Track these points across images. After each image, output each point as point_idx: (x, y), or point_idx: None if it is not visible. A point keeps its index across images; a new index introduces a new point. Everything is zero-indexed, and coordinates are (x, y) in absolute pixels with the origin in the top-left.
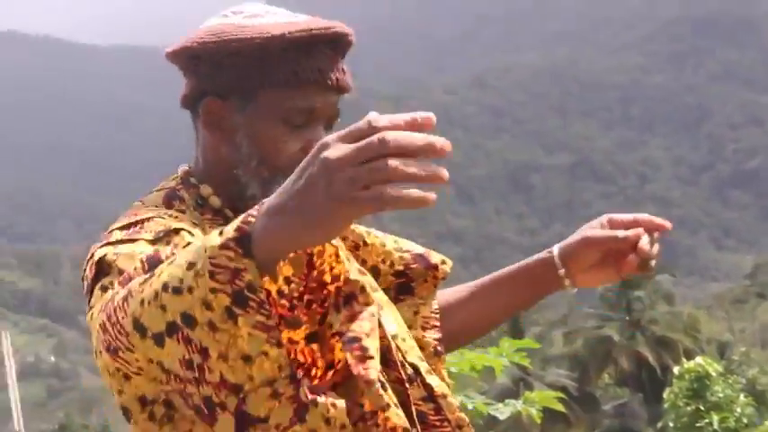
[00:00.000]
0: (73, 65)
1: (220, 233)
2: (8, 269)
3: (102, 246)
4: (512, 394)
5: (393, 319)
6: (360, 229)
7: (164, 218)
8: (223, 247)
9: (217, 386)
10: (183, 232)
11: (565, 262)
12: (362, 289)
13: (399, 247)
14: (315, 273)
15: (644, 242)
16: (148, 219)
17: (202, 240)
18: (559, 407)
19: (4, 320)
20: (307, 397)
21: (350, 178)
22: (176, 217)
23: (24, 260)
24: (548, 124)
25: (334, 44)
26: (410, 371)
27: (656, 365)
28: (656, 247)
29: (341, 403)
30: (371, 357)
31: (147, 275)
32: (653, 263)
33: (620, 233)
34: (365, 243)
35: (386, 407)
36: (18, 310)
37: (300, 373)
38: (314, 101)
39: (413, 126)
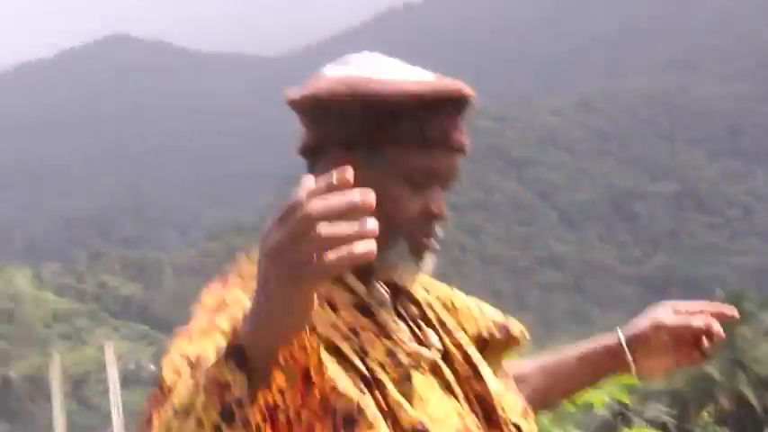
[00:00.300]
0: (184, 70)
1: (216, 353)
2: (111, 274)
3: (181, 338)
4: (610, 429)
5: (492, 377)
6: (445, 289)
7: (247, 297)
8: (217, 362)
9: None
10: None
11: (632, 347)
12: (360, 410)
13: (483, 313)
14: (316, 390)
15: (717, 327)
16: (233, 297)
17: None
18: None
19: (105, 326)
20: None
21: (291, 262)
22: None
23: (127, 265)
24: (654, 151)
25: (459, 105)
26: (513, 431)
27: (757, 405)
28: (718, 336)
29: None
30: None
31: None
32: (710, 352)
33: (695, 321)
34: (454, 306)
35: None
36: (120, 315)
37: None
38: (437, 162)
39: (333, 189)
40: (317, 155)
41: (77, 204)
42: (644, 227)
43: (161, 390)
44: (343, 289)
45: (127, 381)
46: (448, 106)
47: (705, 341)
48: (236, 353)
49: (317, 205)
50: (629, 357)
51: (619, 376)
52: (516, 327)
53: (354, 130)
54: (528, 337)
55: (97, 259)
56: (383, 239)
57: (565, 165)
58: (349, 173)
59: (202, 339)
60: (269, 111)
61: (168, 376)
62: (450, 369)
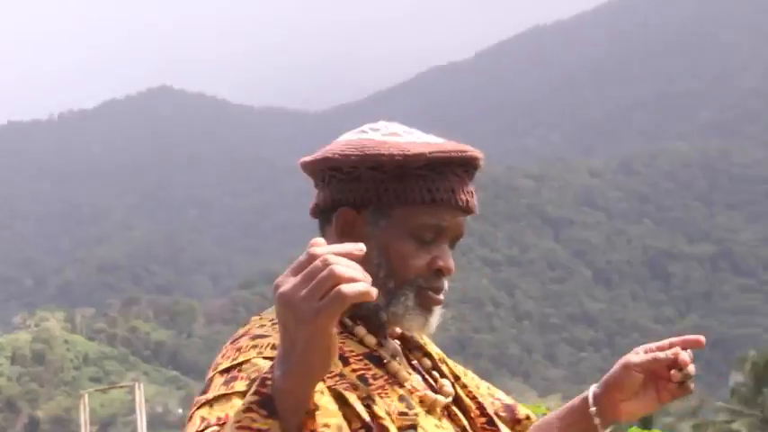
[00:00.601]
0: (224, 123)
1: (243, 403)
2: (144, 319)
3: (201, 406)
4: None
5: (505, 428)
6: (458, 367)
7: (261, 359)
8: (247, 410)
9: None
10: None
11: (607, 393)
12: None
13: (492, 393)
14: None
15: (683, 355)
16: (247, 361)
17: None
18: None
19: (136, 370)
20: None
21: (304, 297)
22: (277, 346)
23: (160, 311)
24: (692, 213)
25: (466, 167)
26: None
27: None
28: (691, 366)
29: None
30: None
31: None
32: (691, 384)
33: (660, 354)
34: (460, 381)
35: None
36: (150, 360)
37: None
38: (444, 219)
39: (348, 256)
40: (327, 214)
41: (113, 250)
42: (678, 287)
43: None
44: (354, 341)
45: (153, 424)
46: (455, 167)
47: (674, 372)
48: (266, 403)
49: (339, 258)
50: (593, 408)
51: (647, 431)
52: (523, 411)
53: (364, 190)
54: (534, 421)
55: (130, 305)
56: (392, 293)
57: (601, 225)
58: (363, 247)
59: (223, 404)
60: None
61: None
62: (465, 416)
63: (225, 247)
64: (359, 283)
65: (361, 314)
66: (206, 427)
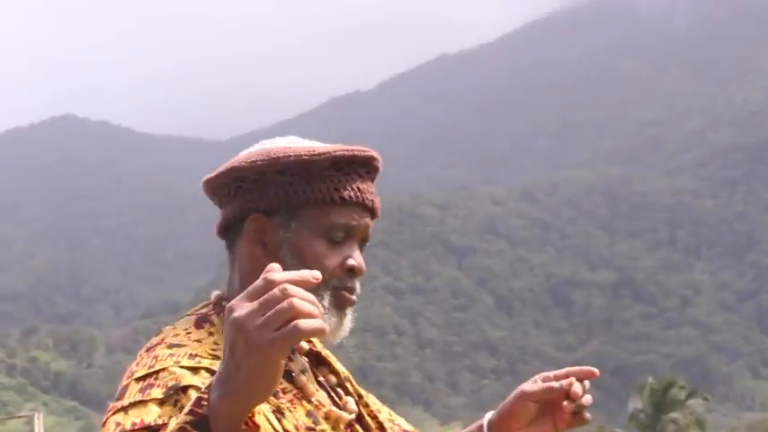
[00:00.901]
0: (127, 151)
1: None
2: (44, 349)
3: (116, 412)
4: None
5: None
6: (359, 388)
7: (182, 364)
8: (180, 430)
9: None
10: (190, 390)
11: (502, 423)
12: None
13: (392, 419)
14: None
15: (576, 387)
16: (164, 369)
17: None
18: None
19: (35, 400)
20: None
21: (260, 325)
22: (196, 355)
23: (60, 341)
24: (593, 241)
25: (369, 167)
26: None
27: None
28: (587, 397)
29: None
30: None
31: None
32: (587, 414)
33: (555, 384)
34: (363, 400)
35: None
36: (49, 390)
37: None
38: (353, 219)
39: (305, 284)
40: (237, 227)
41: (14, 279)
42: (580, 314)
43: None
44: None
45: None
46: (359, 167)
47: (566, 404)
48: (200, 424)
49: (297, 289)
50: None
51: None
52: None
53: (273, 194)
54: None
55: (30, 335)
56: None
57: (503, 253)
58: (319, 275)
59: (139, 410)
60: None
61: None
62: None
63: (127, 276)
64: (315, 319)
65: None
66: (164, 399)
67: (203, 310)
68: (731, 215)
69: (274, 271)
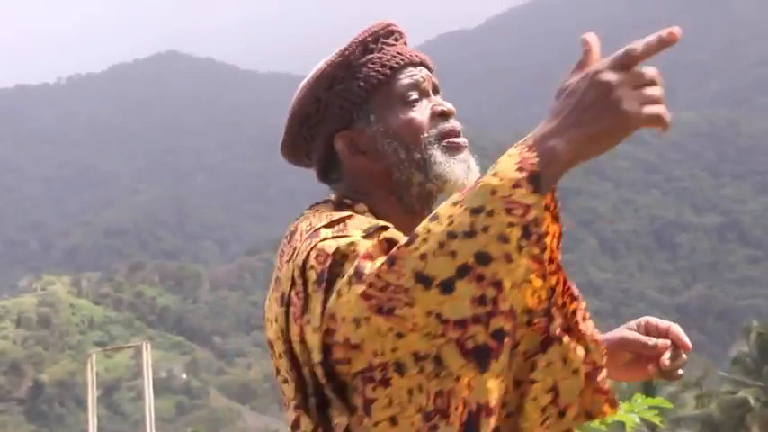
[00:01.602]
0: (231, 88)
1: (494, 174)
2: (149, 284)
3: (324, 240)
4: None
5: None
6: None
7: (363, 216)
8: (516, 185)
9: (507, 315)
10: (391, 229)
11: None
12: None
13: None
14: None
15: (665, 357)
16: (350, 216)
17: (474, 186)
18: None
19: (141, 334)
20: (555, 332)
21: (633, 96)
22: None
23: (166, 276)
24: (699, 184)
25: (393, 35)
26: None
27: None
28: (681, 359)
29: (581, 351)
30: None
31: (407, 241)
32: (679, 372)
33: (651, 341)
34: None
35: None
36: (155, 325)
37: (555, 310)
38: (412, 75)
39: (663, 45)
40: (331, 161)
41: (120, 215)
42: (684, 257)
43: (343, 256)
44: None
45: (157, 389)
46: (386, 40)
47: (663, 360)
48: (533, 179)
49: (647, 47)
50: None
51: (650, 398)
52: None
53: (337, 110)
54: None
55: (136, 270)
56: (421, 163)
57: (609, 195)
58: (678, 31)
59: (343, 238)
60: None
61: (361, 249)
62: None
63: (232, 213)
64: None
65: (392, 217)
66: (344, 245)
67: (328, 206)
68: None
69: (633, 45)
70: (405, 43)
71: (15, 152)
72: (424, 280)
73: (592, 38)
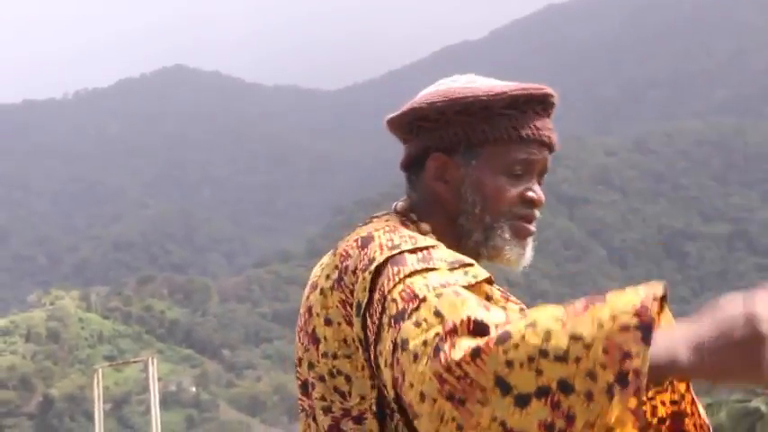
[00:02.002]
0: (238, 102)
1: (609, 307)
2: (158, 298)
3: (412, 275)
4: None
5: None
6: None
7: (431, 237)
8: (623, 329)
9: None
10: (476, 266)
11: None
12: None
13: None
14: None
15: None
16: (433, 246)
17: (583, 310)
18: None
19: (150, 348)
20: None
21: None
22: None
23: (175, 289)
24: (707, 192)
25: (545, 104)
26: None
27: None
28: None
29: None
30: None
31: (499, 338)
32: None
33: None
34: None
35: None
36: (164, 338)
37: None
38: (532, 154)
39: None
40: (419, 164)
41: (128, 229)
42: (693, 266)
43: (443, 324)
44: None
45: (167, 402)
46: (536, 106)
47: None
48: (645, 329)
49: None
50: None
51: None
52: None
53: (453, 134)
54: None
55: (145, 283)
56: (488, 228)
57: (616, 204)
58: None
59: (430, 272)
60: (321, 143)
61: (443, 307)
62: None
63: (239, 226)
64: None
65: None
66: (433, 288)
67: (394, 216)
68: None
69: None
70: (549, 115)
71: (22, 167)
72: (503, 386)
73: None
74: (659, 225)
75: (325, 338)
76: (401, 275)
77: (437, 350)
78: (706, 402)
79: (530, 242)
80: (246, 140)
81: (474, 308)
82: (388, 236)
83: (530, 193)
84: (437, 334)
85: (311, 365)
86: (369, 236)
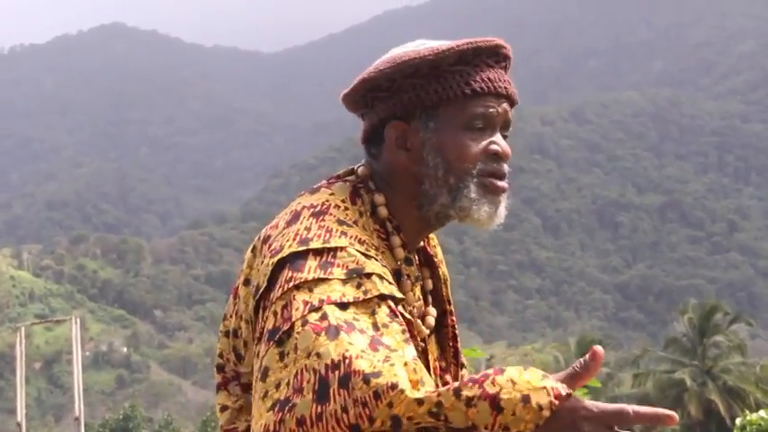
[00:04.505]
0: (176, 61)
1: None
2: (91, 257)
3: (300, 288)
4: None
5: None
6: (450, 293)
7: (356, 248)
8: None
9: None
10: (374, 277)
11: None
12: None
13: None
14: None
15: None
16: (342, 248)
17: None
18: None
19: (82, 308)
20: None
21: None
22: (364, 241)
23: (108, 250)
24: (642, 164)
25: (496, 56)
26: None
27: (725, 415)
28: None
29: None
30: None
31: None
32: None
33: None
34: (450, 307)
35: None
36: (96, 298)
37: None
38: (489, 107)
39: (656, 421)
40: (378, 136)
41: (63, 187)
42: (626, 237)
43: (364, 381)
44: (388, 253)
45: (98, 362)
46: (487, 59)
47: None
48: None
49: (640, 416)
50: None
51: None
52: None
53: (407, 99)
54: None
55: (78, 242)
56: (454, 189)
57: (552, 174)
58: (676, 417)
59: (321, 287)
60: (259, 106)
61: (367, 367)
62: (439, 346)
63: (174, 187)
64: None
65: (407, 216)
66: (311, 310)
67: (352, 179)
68: None
69: (629, 410)
70: (506, 67)
71: None
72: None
73: (599, 353)
74: (593, 195)
75: (240, 297)
76: (290, 285)
77: (280, 405)
78: (633, 373)
79: (502, 199)
80: (184, 101)
81: (332, 353)
82: (310, 221)
83: (493, 146)
84: (288, 383)
85: (225, 317)
86: (298, 212)
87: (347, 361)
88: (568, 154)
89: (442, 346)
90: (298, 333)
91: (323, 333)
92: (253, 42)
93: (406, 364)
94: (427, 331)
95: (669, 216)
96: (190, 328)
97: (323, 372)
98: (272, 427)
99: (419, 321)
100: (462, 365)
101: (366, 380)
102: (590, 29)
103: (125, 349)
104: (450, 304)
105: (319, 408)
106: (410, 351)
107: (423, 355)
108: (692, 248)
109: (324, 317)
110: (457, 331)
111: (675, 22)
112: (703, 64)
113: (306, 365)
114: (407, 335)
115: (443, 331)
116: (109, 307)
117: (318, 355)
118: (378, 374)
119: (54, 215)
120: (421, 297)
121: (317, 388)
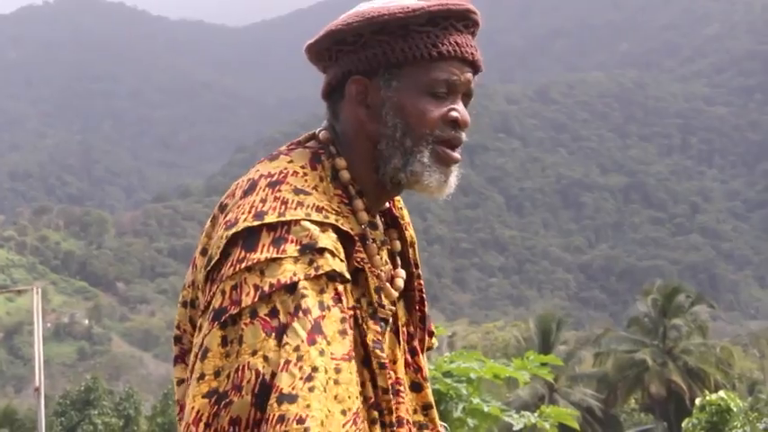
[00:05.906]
0: (142, 34)
1: None
2: (54, 229)
3: (251, 270)
4: (535, 408)
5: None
6: (417, 255)
7: (312, 220)
8: None
9: None
10: (326, 253)
11: None
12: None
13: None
14: None
15: None
16: (297, 222)
17: None
18: (574, 424)
19: (44, 279)
20: None
21: None
22: (322, 208)
23: (71, 221)
24: (606, 144)
25: (466, 20)
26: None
27: (685, 395)
28: None
29: None
30: None
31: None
32: None
33: None
34: (418, 271)
35: None
36: (59, 270)
37: None
38: (454, 73)
39: None
40: (339, 91)
41: (26, 158)
42: (589, 217)
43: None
44: (351, 217)
45: (59, 334)
46: (457, 23)
47: None
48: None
49: None
50: None
51: (544, 356)
52: (432, 326)
53: (372, 55)
54: (435, 343)
55: (41, 214)
56: (409, 152)
57: (516, 152)
58: None
59: (273, 269)
60: (224, 80)
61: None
62: (407, 310)
63: (139, 159)
64: None
65: (367, 180)
66: (260, 298)
67: (312, 145)
68: (744, 123)
69: None
70: (473, 33)
71: None
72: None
73: None
74: (557, 174)
75: (198, 267)
76: (242, 266)
77: (217, 398)
78: (594, 352)
79: (454, 170)
80: (150, 74)
81: (278, 360)
82: (266, 192)
83: (453, 114)
84: (228, 376)
85: (183, 288)
86: (256, 182)
87: (277, 370)
88: (533, 133)
89: (409, 309)
90: (245, 324)
91: (273, 335)
92: (219, 16)
93: (325, 388)
94: (396, 294)
95: (632, 197)
96: (152, 301)
97: (267, 379)
98: (204, 418)
99: (388, 285)
100: (431, 333)
101: (279, 401)
102: (557, 9)
103: (87, 321)
104: (417, 267)
105: (258, 415)
106: (340, 347)
107: (393, 318)
108: (654, 230)
109: (273, 312)
110: (425, 295)
111: (642, 3)
112: (669, 46)
113: (249, 363)
114: (345, 324)
115: (410, 294)
116: (71, 279)
117: (266, 358)
118: (293, 399)
119: (17, 186)
120: (389, 260)
121: (257, 391)
